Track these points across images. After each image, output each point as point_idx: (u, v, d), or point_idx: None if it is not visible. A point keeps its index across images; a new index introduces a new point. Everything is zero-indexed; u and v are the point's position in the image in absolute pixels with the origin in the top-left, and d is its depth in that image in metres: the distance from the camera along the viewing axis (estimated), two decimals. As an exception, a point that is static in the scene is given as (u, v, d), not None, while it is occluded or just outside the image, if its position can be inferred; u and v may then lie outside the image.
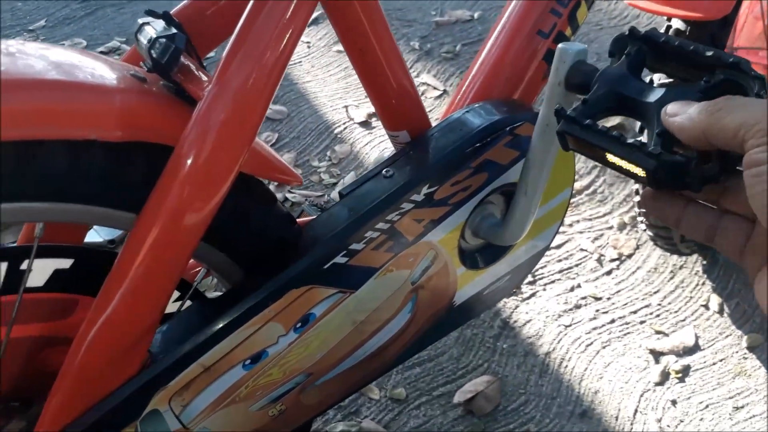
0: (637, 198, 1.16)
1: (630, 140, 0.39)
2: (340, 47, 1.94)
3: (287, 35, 0.51)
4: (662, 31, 0.98)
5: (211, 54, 0.66)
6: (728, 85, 0.37)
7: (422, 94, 1.75)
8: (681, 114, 0.34)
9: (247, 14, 0.51)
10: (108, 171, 0.49)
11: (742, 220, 0.36)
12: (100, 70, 0.49)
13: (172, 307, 0.65)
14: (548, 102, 0.53)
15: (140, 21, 0.54)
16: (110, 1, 2.17)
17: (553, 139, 0.56)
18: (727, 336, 1.18)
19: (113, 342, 0.52)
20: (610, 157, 0.40)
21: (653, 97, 0.39)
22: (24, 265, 0.55)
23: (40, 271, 0.57)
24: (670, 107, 0.36)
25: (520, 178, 0.62)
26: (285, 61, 0.52)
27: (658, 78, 0.99)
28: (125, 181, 0.50)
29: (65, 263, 0.58)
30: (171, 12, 0.59)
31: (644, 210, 0.37)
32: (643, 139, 0.40)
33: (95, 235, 0.83)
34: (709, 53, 0.38)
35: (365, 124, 1.66)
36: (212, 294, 1.11)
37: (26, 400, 0.61)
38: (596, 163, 1.51)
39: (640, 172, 0.38)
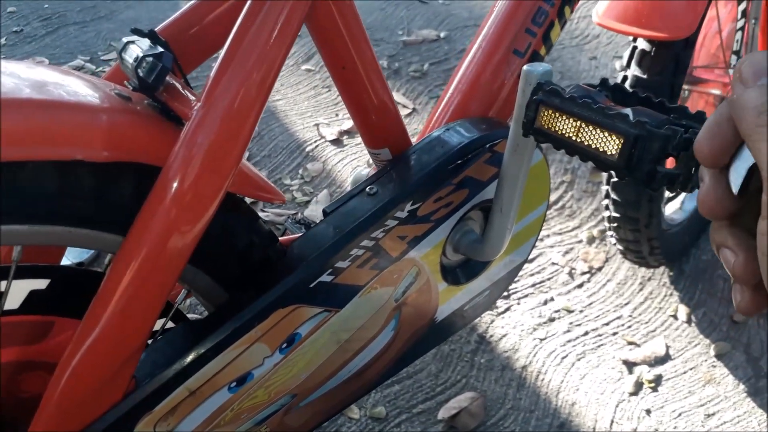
0: (606, 213, 1.19)
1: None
2: (308, 66, 1.94)
3: (275, 53, 0.51)
4: (628, 51, 1.01)
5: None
6: None
7: (392, 112, 1.76)
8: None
9: (235, 33, 0.51)
10: (94, 192, 0.48)
11: None
12: (84, 90, 0.48)
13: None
14: (516, 122, 0.54)
15: (125, 39, 0.53)
16: (72, 20, 2.14)
17: (523, 157, 0.57)
18: (696, 345, 1.21)
19: (99, 367, 0.50)
20: (583, 133, 0.40)
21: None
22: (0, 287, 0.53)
23: (15, 292, 0.56)
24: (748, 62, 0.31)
25: (495, 196, 0.63)
26: (273, 80, 0.52)
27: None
28: (111, 202, 0.49)
29: (41, 284, 0.57)
30: (156, 30, 0.58)
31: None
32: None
33: (63, 258, 0.81)
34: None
35: (337, 142, 1.66)
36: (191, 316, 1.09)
37: (3, 430, 0.59)
38: (564, 179, 1.55)
39: (615, 145, 0.38)
